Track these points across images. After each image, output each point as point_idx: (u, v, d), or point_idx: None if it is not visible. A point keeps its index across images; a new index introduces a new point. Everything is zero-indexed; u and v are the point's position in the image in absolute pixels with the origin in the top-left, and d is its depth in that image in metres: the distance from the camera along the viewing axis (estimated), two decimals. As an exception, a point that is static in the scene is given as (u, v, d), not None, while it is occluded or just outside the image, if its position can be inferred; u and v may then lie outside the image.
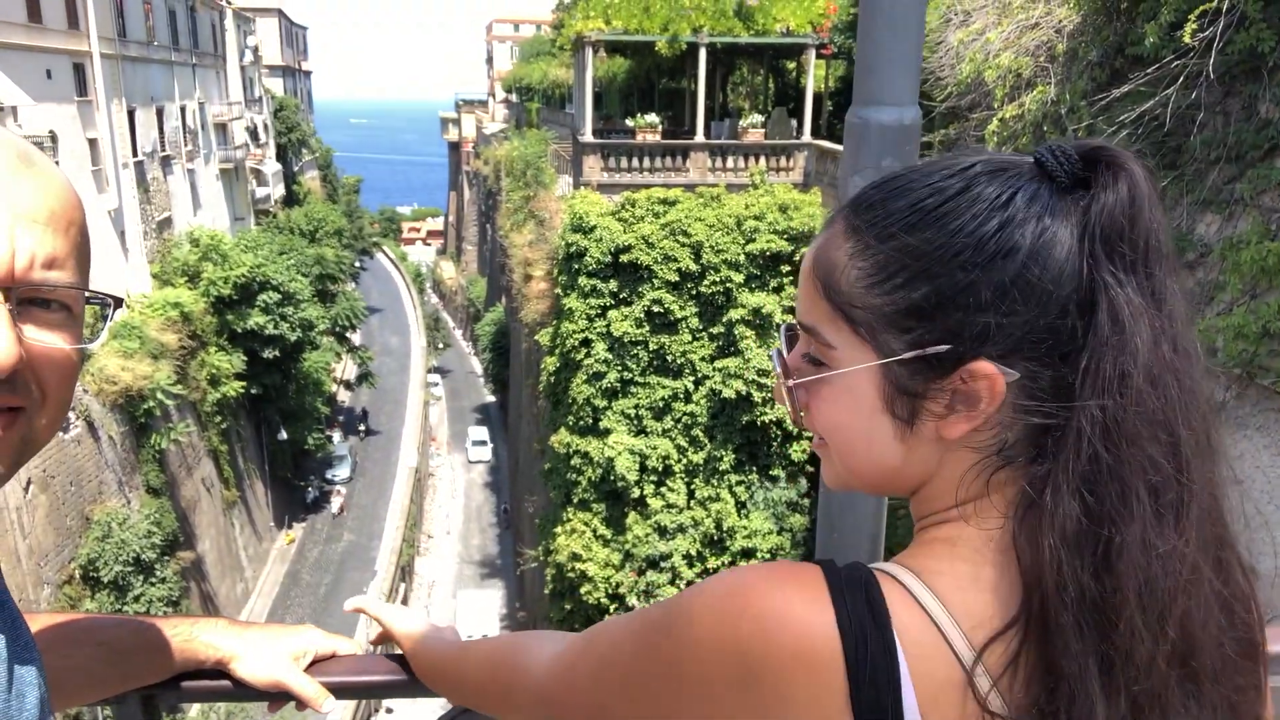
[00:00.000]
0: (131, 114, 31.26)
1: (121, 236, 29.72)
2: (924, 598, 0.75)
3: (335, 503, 42.98)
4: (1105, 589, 0.71)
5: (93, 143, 28.07)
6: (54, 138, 25.10)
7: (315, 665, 1.30)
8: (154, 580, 23.31)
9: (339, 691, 1.32)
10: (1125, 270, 0.74)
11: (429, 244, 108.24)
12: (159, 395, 26.19)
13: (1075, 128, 6.58)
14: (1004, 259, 0.75)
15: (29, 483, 21.37)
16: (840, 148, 19.85)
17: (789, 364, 0.88)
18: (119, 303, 0.90)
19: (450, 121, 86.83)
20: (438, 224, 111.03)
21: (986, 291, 0.75)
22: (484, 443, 52.44)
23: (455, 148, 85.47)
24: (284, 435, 38.88)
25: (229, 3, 46.08)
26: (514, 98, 50.44)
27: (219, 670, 1.26)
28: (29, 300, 0.80)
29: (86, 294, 0.86)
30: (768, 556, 19.00)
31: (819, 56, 22.13)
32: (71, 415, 23.73)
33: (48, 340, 0.81)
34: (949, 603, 0.75)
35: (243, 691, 1.29)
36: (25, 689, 0.86)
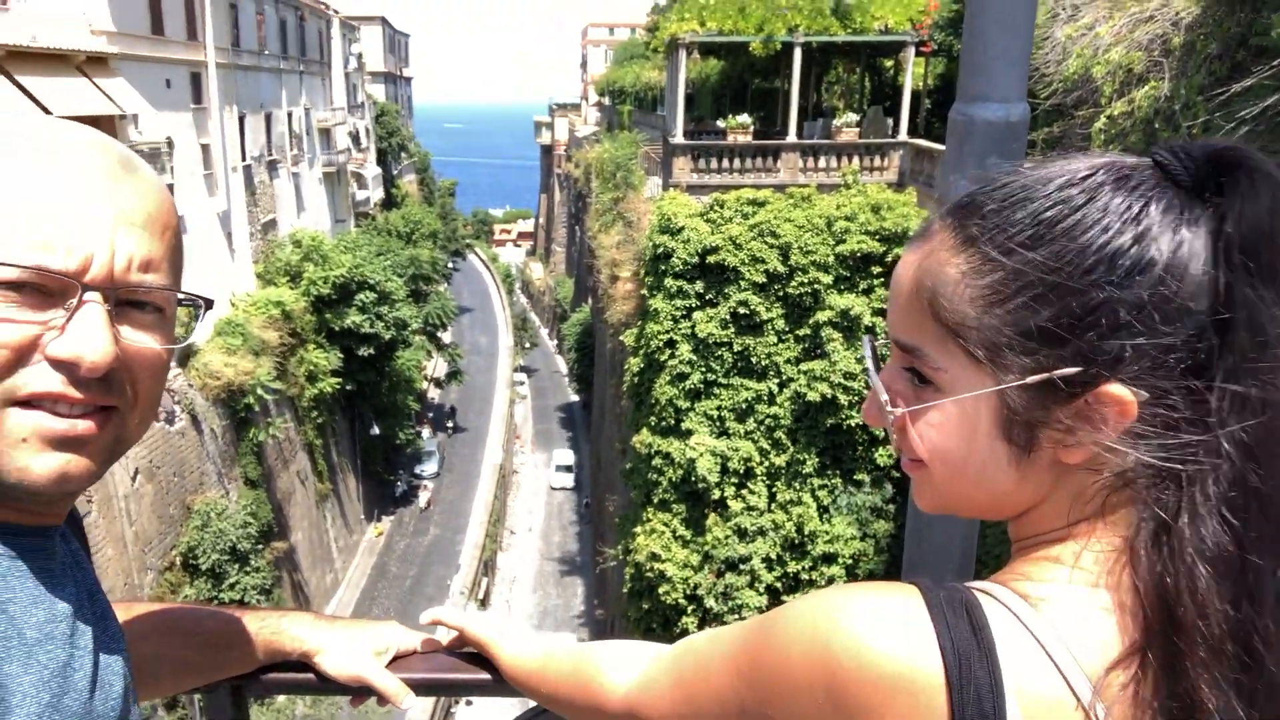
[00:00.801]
0: (242, 120, 32.63)
1: (229, 237, 31.04)
2: (1031, 621, 0.71)
3: (423, 497, 44.04)
4: (1248, 617, 0.66)
5: (205, 148, 29.40)
6: (170, 144, 26.36)
7: (397, 661, 1.32)
8: (249, 569, 24.25)
9: (419, 688, 1.34)
10: (1265, 283, 0.68)
11: (519, 245, 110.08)
12: (259, 391, 27.27)
13: (1190, 125, 6.26)
14: (1140, 275, 0.70)
15: (136, 472, 22.51)
16: (939, 146, 19.37)
17: (885, 383, 0.83)
18: (210, 304, 0.92)
19: (543, 125, 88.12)
20: (528, 226, 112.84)
21: (1121, 311, 0.70)
22: (568, 468, 50.31)
23: (547, 151, 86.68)
24: (376, 430, 40.02)
25: (335, 11, 47.72)
26: (606, 101, 50.87)
27: (303, 663, 1.28)
28: (125, 301, 0.82)
29: (179, 296, 0.88)
30: (850, 563, 18.68)
31: (918, 54, 21.66)
32: (176, 409, 24.91)
33: (142, 341, 0.83)
34: (1059, 626, 0.71)
35: (325, 685, 1.32)
36: (112, 679, 0.88)
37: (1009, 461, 0.76)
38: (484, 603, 37.28)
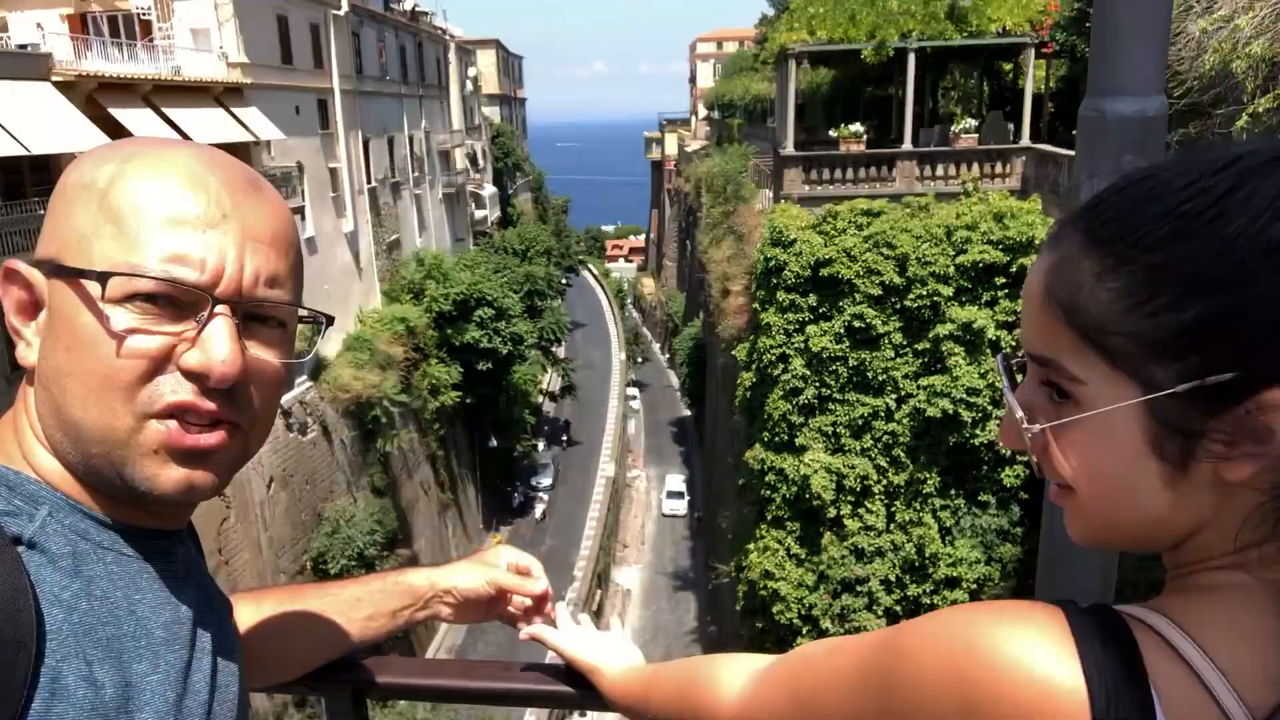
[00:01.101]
0: (366, 144, 34.15)
1: (356, 257, 32.47)
2: (1187, 650, 0.65)
3: (538, 509, 44.79)
4: None
5: (333, 172, 30.89)
6: (300, 168, 27.81)
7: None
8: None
9: (518, 698, 1.40)
10: None
11: (630, 261, 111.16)
12: (385, 403, 28.37)
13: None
14: None
15: (271, 480, 23.70)
16: (1064, 151, 18.55)
17: (1021, 401, 0.77)
18: (330, 321, 0.95)
19: (653, 141, 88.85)
20: (639, 241, 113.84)
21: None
22: (680, 494, 48.58)
23: (658, 166, 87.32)
24: (494, 443, 40.99)
25: (452, 36, 49.45)
26: (715, 114, 50.89)
27: (438, 600, 1.32)
28: (251, 316, 0.85)
29: (301, 312, 0.92)
30: (974, 587, 17.96)
31: (1039, 56, 20.86)
32: (309, 419, 26.13)
33: (265, 355, 0.86)
34: (1218, 658, 0.64)
35: (441, 691, 1.43)
36: (228, 681, 0.92)
37: (1162, 481, 0.68)
38: (598, 615, 37.56)
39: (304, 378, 26.63)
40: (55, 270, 0.80)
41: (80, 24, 22.31)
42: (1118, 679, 0.63)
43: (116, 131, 18.99)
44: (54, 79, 18.46)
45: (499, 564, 1.34)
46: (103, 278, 0.78)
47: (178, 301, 0.80)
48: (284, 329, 0.89)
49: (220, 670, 0.91)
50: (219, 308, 0.81)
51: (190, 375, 0.80)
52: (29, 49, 19.01)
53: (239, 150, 24.97)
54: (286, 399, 24.98)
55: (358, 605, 1.28)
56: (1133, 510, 0.71)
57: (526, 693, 1.40)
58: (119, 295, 0.78)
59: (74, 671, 0.73)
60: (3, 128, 15.95)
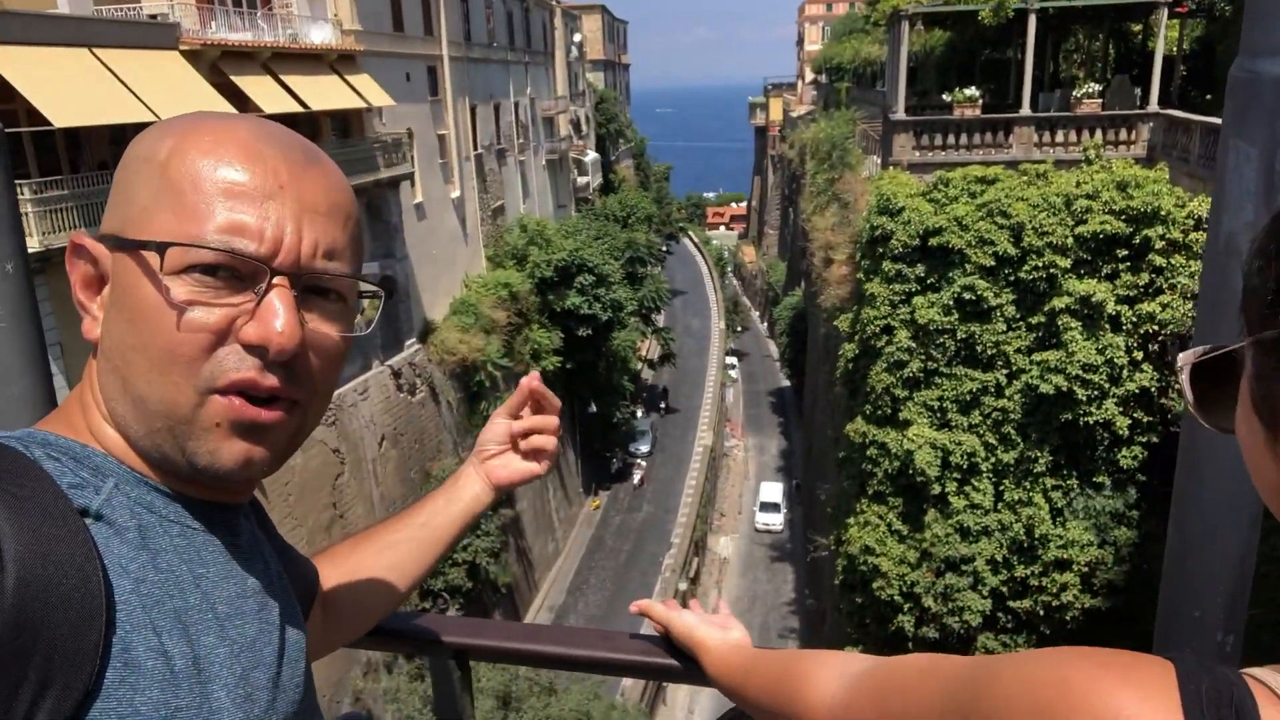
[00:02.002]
0: (473, 111, 34.66)
1: (463, 223, 33.14)
2: None
3: (636, 475, 45.25)
4: None
5: (441, 138, 31.48)
6: (410, 134, 28.42)
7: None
8: (480, 533, 25.95)
9: (619, 668, 1.42)
10: None
11: (731, 229, 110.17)
12: (490, 367, 29.02)
13: None
14: None
15: (383, 438, 24.60)
16: (1196, 118, 17.50)
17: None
18: (390, 293, 0.92)
19: (757, 106, 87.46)
20: (740, 209, 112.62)
21: None
22: (775, 506, 43.55)
23: (761, 132, 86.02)
24: (593, 408, 41.49)
25: (558, 2, 49.54)
26: (823, 79, 49.68)
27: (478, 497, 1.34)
28: (310, 289, 0.84)
29: (362, 286, 0.91)
30: (1085, 571, 17.33)
31: (1172, 15, 19.57)
32: (418, 380, 26.96)
33: (323, 328, 0.86)
34: None
35: (540, 657, 1.49)
36: (296, 655, 0.93)
37: (1265, 444, 0.64)
38: (694, 582, 37.83)
39: (413, 340, 27.44)
40: (118, 244, 0.81)
41: (207, -5, 23.17)
42: None
43: (238, 99, 19.76)
44: (181, 48, 19.29)
45: (492, 439, 1.33)
46: (161, 248, 0.78)
47: (237, 273, 0.80)
48: (343, 302, 0.88)
49: (289, 643, 0.91)
50: (277, 279, 0.80)
51: (251, 349, 0.80)
52: (158, 19, 19.91)
53: (351, 117, 25.72)
54: (395, 360, 25.81)
55: (424, 528, 1.30)
56: (1257, 475, 0.67)
57: (628, 663, 1.42)
58: (178, 266, 0.78)
59: (144, 643, 0.74)
60: (137, 97, 16.81)
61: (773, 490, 44.77)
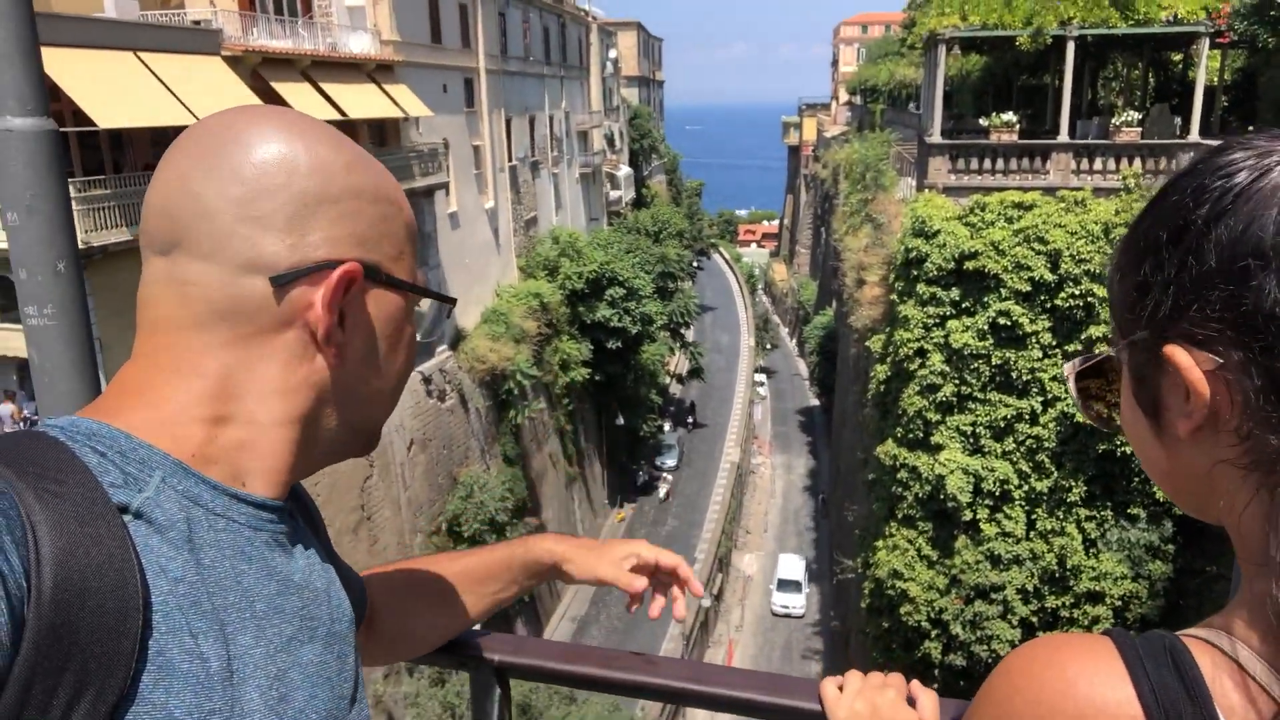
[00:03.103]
0: (509, 123, 34.94)
1: (496, 233, 33.35)
2: (1254, 667, 0.62)
3: (662, 488, 45.15)
4: None
5: (476, 149, 31.74)
6: (446, 145, 28.67)
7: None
8: (505, 540, 25.97)
9: (662, 695, 1.39)
10: None
11: (763, 246, 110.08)
12: (519, 376, 29.11)
13: None
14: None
15: (411, 442, 24.72)
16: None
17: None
18: (453, 302, 1.02)
19: (791, 125, 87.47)
20: (773, 227, 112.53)
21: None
22: (795, 584, 37.34)
23: (795, 151, 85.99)
24: (621, 421, 41.49)
25: (594, 18, 49.92)
26: (857, 100, 49.62)
27: (556, 570, 1.35)
28: None
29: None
30: (1118, 604, 17.01)
31: (1213, 46, 19.34)
32: (447, 387, 27.10)
33: None
34: None
35: (577, 676, 1.43)
36: (341, 655, 0.90)
37: (1151, 434, 0.73)
38: (718, 599, 37.56)
39: (444, 347, 27.60)
40: (393, 282, 0.88)
41: (248, 0, 23.54)
42: (1177, 702, 0.62)
43: (278, 105, 20.00)
44: (223, 54, 19.60)
45: (630, 551, 1.33)
46: (450, 302, 1.00)
47: None
48: None
49: (331, 644, 0.88)
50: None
51: None
52: (201, 25, 20.25)
53: (388, 125, 25.99)
54: (426, 366, 25.96)
55: (486, 580, 1.32)
56: (1147, 462, 0.76)
57: (664, 689, 1.38)
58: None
59: (179, 645, 0.72)
60: (180, 101, 17.09)
61: (792, 565, 38.44)
